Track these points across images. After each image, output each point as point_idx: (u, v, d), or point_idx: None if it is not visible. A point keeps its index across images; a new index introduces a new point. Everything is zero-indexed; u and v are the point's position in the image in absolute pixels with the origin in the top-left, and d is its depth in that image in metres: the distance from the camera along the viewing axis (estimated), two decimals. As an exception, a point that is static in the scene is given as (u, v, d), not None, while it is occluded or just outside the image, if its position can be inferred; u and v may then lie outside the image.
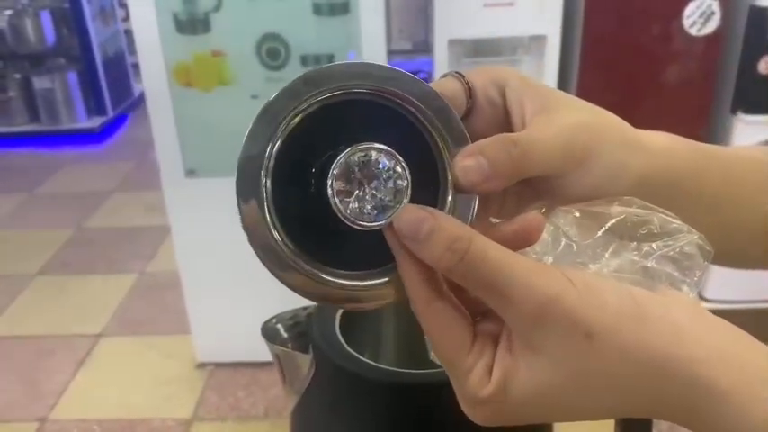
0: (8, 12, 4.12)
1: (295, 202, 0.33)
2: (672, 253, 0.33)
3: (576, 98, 0.38)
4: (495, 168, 0.33)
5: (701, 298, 1.86)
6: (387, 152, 0.32)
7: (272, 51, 1.70)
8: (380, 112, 0.34)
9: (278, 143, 0.32)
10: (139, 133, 4.13)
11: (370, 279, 0.33)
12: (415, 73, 0.34)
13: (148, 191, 3.18)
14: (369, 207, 0.31)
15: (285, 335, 0.50)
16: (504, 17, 1.81)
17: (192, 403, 2.01)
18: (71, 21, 4.19)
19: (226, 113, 1.77)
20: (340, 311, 0.48)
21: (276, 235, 0.32)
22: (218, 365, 2.14)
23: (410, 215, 0.31)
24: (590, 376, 0.29)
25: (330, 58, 1.71)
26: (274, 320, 0.51)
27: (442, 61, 1.88)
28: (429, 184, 0.34)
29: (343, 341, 0.45)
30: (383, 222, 0.32)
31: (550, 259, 0.34)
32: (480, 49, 1.93)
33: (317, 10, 1.66)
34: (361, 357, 0.44)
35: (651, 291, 0.31)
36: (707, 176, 0.39)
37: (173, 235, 1.95)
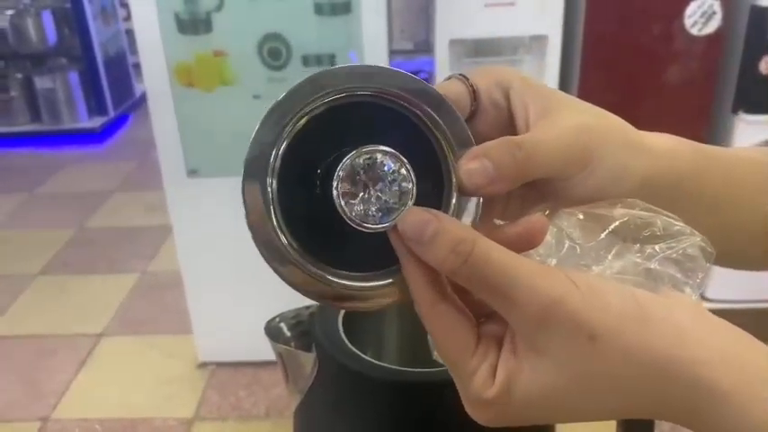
0: (10, 11, 4.13)
1: (300, 202, 0.33)
2: (674, 255, 0.33)
3: (579, 100, 0.38)
4: (500, 171, 0.33)
5: (703, 298, 1.86)
6: (392, 154, 0.32)
7: (273, 51, 1.70)
8: (385, 114, 0.34)
9: (284, 145, 0.33)
10: (141, 133, 4.13)
11: (375, 280, 0.34)
12: (415, 73, 0.34)
13: (150, 191, 3.19)
14: (374, 209, 0.32)
15: (288, 334, 0.50)
16: (505, 17, 1.81)
17: (194, 403, 2.01)
18: (72, 20, 4.20)
19: (227, 113, 1.77)
20: (343, 311, 0.48)
21: (281, 235, 0.33)
22: (220, 365, 2.14)
23: (414, 217, 0.31)
24: (593, 378, 0.30)
25: (331, 57, 1.71)
26: (277, 319, 0.51)
27: (442, 61, 1.88)
28: (433, 187, 0.34)
29: (345, 340, 0.45)
30: (388, 224, 0.32)
31: (554, 261, 0.34)
32: (481, 48, 1.93)
33: (319, 10, 1.67)
34: (364, 356, 0.44)
35: (654, 292, 0.31)
36: (708, 177, 0.40)
37: (174, 235, 1.96)
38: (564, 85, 1.93)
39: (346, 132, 0.33)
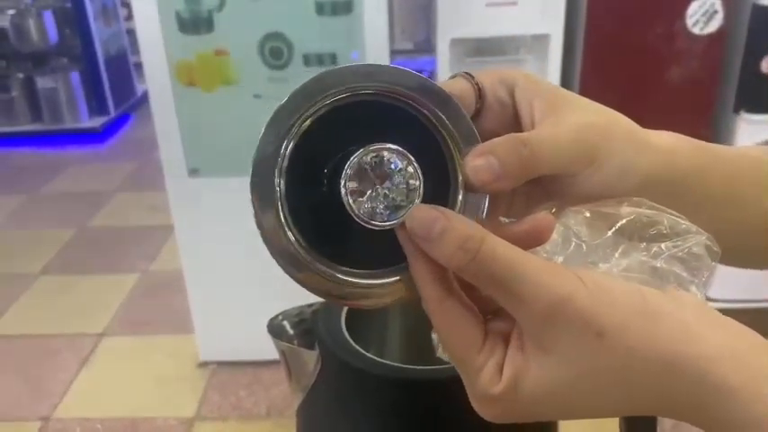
0: (11, 11, 4.13)
1: (308, 202, 0.33)
2: (680, 253, 0.33)
3: (583, 97, 0.38)
4: (506, 168, 0.33)
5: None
6: (398, 152, 0.32)
7: (274, 51, 1.70)
8: (391, 113, 0.34)
9: (291, 144, 0.33)
10: (142, 133, 4.14)
11: (382, 278, 0.34)
12: (418, 72, 0.34)
13: (151, 190, 3.19)
14: (381, 207, 0.32)
15: (291, 331, 0.50)
16: (507, 16, 1.81)
17: (195, 402, 2.02)
18: (74, 20, 4.20)
19: (228, 113, 1.77)
20: (346, 308, 0.48)
21: (289, 234, 0.33)
22: (221, 364, 2.14)
23: (422, 214, 0.31)
24: (600, 374, 0.30)
25: (333, 57, 1.71)
26: (280, 317, 0.51)
27: (444, 61, 1.88)
28: (440, 184, 0.34)
29: (348, 338, 0.45)
30: (395, 222, 0.32)
31: (561, 259, 0.34)
32: (483, 48, 1.93)
33: (320, 9, 1.67)
34: (366, 354, 0.44)
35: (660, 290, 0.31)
36: (711, 174, 0.40)
37: (176, 234, 1.96)
38: (565, 84, 1.93)
39: (352, 131, 0.33)
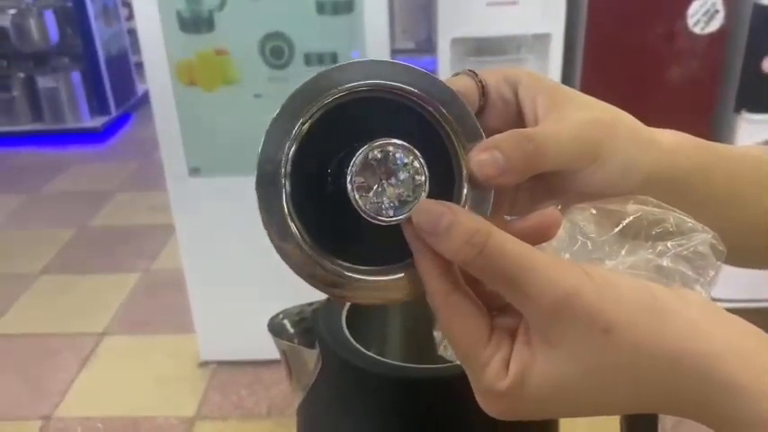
0: (12, 11, 4.14)
1: (313, 199, 0.33)
2: (686, 252, 0.33)
3: (586, 95, 0.39)
4: (511, 163, 0.33)
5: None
6: (404, 147, 0.32)
7: (275, 50, 1.70)
8: (395, 109, 0.34)
9: (295, 143, 0.33)
10: (143, 132, 4.14)
11: (387, 274, 0.34)
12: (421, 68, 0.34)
13: (152, 190, 3.19)
14: (387, 202, 0.32)
15: (291, 330, 0.50)
16: (508, 16, 1.81)
17: (195, 402, 2.02)
18: (75, 20, 4.20)
19: (229, 112, 1.77)
20: (346, 307, 0.48)
21: (295, 231, 0.33)
22: (221, 364, 2.14)
23: (429, 209, 0.31)
24: (607, 371, 0.30)
25: (333, 56, 1.71)
26: (281, 316, 0.51)
27: (445, 60, 1.88)
28: (445, 180, 0.34)
29: (349, 336, 0.45)
30: (402, 217, 0.32)
31: (567, 256, 0.34)
32: (484, 47, 1.93)
33: (321, 9, 1.67)
34: (367, 352, 0.44)
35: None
36: (714, 173, 0.40)
37: (176, 233, 1.96)
38: (566, 83, 1.92)
39: (357, 128, 0.33)
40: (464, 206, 0.34)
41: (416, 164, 0.32)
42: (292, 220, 0.33)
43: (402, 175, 0.32)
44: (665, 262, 0.33)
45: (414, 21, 2.27)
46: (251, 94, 1.75)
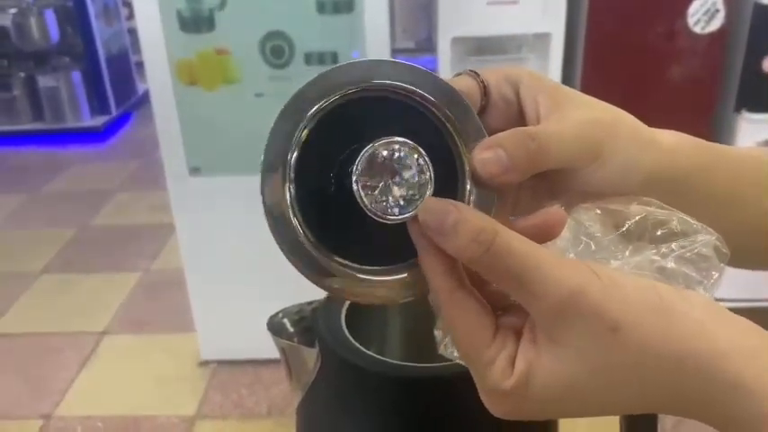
0: (13, 10, 4.14)
1: (317, 199, 0.33)
2: (689, 254, 0.33)
3: (587, 96, 0.39)
4: (514, 161, 0.33)
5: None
6: (408, 146, 0.32)
7: (276, 49, 1.70)
8: (398, 109, 0.34)
9: (297, 147, 0.33)
10: (143, 132, 4.14)
11: (391, 274, 0.34)
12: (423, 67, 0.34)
13: (152, 189, 3.19)
14: (393, 201, 0.32)
15: (291, 329, 0.50)
16: (508, 15, 1.81)
17: (196, 401, 2.02)
18: (75, 19, 4.21)
19: (230, 112, 1.77)
20: (346, 306, 0.48)
21: (301, 232, 0.33)
22: (221, 363, 2.14)
23: (435, 207, 0.31)
24: (613, 370, 0.29)
25: (334, 56, 1.71)
26: (280, 315, 0.51)
27: (445, 60, 1.88)
28: (448, 179, 0.34)
29: (349, 335, 0.45)
30: (408, 215, 0.32)
31: (571, 255, 0.34)
32: (484, 47, 1.93)
33: (321, 8, 1.67)
34: (367, 351, 0.44)
35: None
36: (715, 174, 0.40)
37: (177, 233, 1.96)
38: (566, 83, 1.92)
39: (359, 128, 0.34)
40: (468, 205, 0.34)
41: (421, 162, 0.32)
42: (298, 222, 0.33)
43: (407, 174, 0.32)
44: (669, 263, 0.33)
45: (414, 20, 2.27)
46: (251, 93, 1.75)
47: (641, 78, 1.89)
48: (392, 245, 0.33)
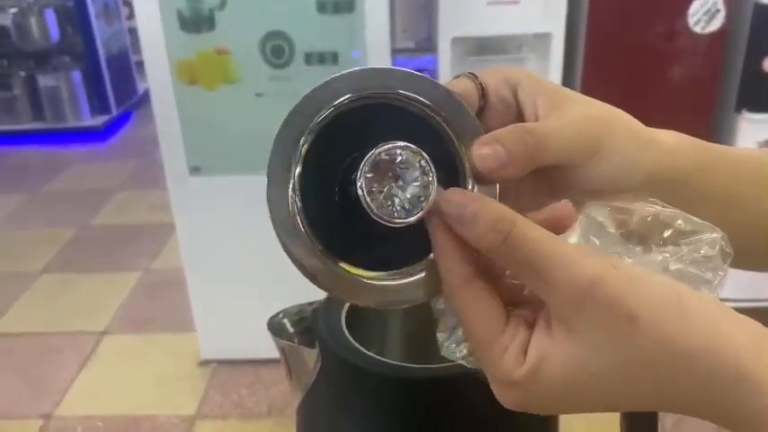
0: (13, 10, 4.14)
1: (322, 209, 0.34)
2: (695, 254, 0.33)
3: (586, 96, 0.39)
4: (512, 156, 0.34)
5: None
6: (410, 149, 0.32)
7: (276, 49, 1.70)
8: (397, 115, 0.35)
9: (301, 161, 0.34)
10: (143, 131, 4.14)
11: (398, 279, 0.34)
12: (420, 71, 0.35)
13: (152, 189, 3.19)
14: (398, 204, 0.32)
15: (291, 330, 0.50)
16: (509, 15, 1.81)
17: (196, 401, 2.02)
18: (75, 19, 4.21)
19: (230, 111, 1.77)
20: (346, 306, 0.48)
21: (309, 240, 0.34)
22: (222, 363, 2.14)
23: (456, 197, 0.32)
24: (627, 362, 0.29)
25: (334, 56, 1.71)
26: (280, 315, 0.51)
27: (445, 60, 1.88)
28: (450, 181, 0.34)
29: (349, 336, 0.45)
30: (414, 218, 0.32)
31: None
32: (484, 47, 1.93)
33: (322, 8, 1.67)
34: (367, 352, 0.44)
35: None
36: (715, 174, 0.40)
37: (177, 232, 1.96)
38: (567, 83, 1.93)
39: (359, 136, 0.34)
40: None
41: (423, 164, 0.32)
42: (306, 233, 0.33)
43: (410, 176, 0.32)
44: (676, 264, 0.32)
45: (414, 20, 2.27)
46: (252, 93, 1.75)
47: (641, 78, 1.89)
48: (399, 248, 0.34)
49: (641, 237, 0.34)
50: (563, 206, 0.34)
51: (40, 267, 2.82)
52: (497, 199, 0.35)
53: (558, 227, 0.33)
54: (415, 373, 0.44)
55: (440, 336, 0.35)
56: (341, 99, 0.34)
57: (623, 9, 1.85)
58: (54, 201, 3.50)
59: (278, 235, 0.33)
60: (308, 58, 1.71)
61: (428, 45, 2.16)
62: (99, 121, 4.32)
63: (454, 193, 0.32)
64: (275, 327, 0.51)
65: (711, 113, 1.96)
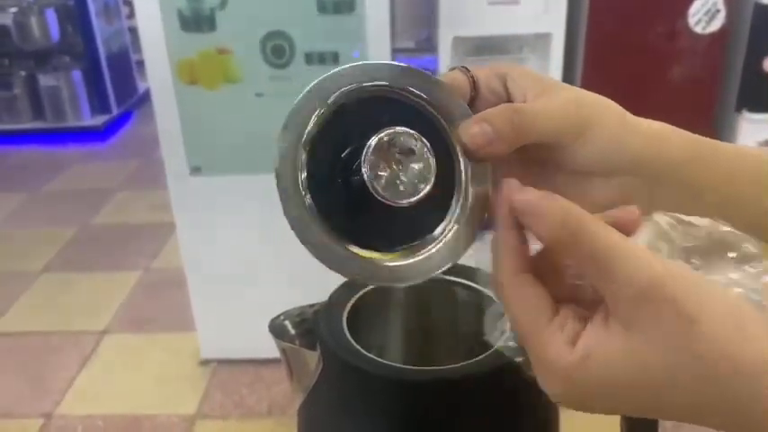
0: (13, 9, 4.14)
1: (329, 198, 0.36)
2: (758, 280, 0.32)
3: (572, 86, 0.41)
4: (499, 133, 0.36)
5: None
6: (409, 133, 0.35)
7: (276, 49, 1.70)
8: (391, 107, 0.37)
9: (305, 168, 0.36)
10: (144, 131, 4.14)
11: (404, 259, 0.36)
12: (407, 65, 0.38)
13: (153, 188, 3.19)
14: (402, 185, 0.35)
15: (292, 331, 0.50)
16: (509, 15, 1.81)
17: (196, 400, 2.02)
18: (76, 18, 4.20)
19: (231, 111, 1.77)
20: (347, 308, 0.48)
21: (326, 233, 0.35)
22: (222, 362, 2.14)
23: (529, 194, 0.33)
24: (678, 366, 0.29)
25: (335, 56, 1.71)
26: (282, 317, 0.51)
27: (446, 59, 1.88)
28: (446, 163, 0.37)
29: (350, 338, 0.46)
30: (418, 197, 0.35)
31: None
32: (485, 46, 1.93)
33: (322, 8, 1.67)
34: (368, 354, 0.44)
35: None
36: (710, 169, 0.40)
37: (177, 232, 1.96)
38: (567, 82, 1.92)
39: (358, 128, 0.36)
40: (465, 182, 0.37)
41: (421, 146, 0.35)
42: (321, 223, 0.35)
43: (411, 159, 0.35)
44: (736, 286, 0.32)
45: (415, 20, 2.27)
46: (252, 93, 1.75)
47: (642, 78, 1.89)
48: (402, 229, 0.36)
49: (704, 254, 0.33)
50: (630, 211, 0.34)
51: (40, 267, 2.82)
52: (490, 176, 0.38)
53: (623, 231, 0.33)
54: (415, 375, 0.44)
55: (486, 318, 0.36)
56: (338, 94, 0.36)
57: (624, 9, 1.85)
58: (54, 200, 3.50)
59: (293, 227, 0.35)
60: (309, 58, 1.71)
61: (428, 45, 2.16)
62: (99, 120, 4.32)
63: (527, 191, 0.33)
64: (276, 328, 0.51)
65: (711, 113, 1.96)
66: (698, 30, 1.81)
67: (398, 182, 0.35)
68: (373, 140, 0.34)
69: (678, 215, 0.35)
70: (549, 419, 0.47)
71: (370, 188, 0.34)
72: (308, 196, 0.35)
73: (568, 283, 0.33)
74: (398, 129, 0.35)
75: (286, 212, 0.35)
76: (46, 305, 2.57)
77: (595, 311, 0.32)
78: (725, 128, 1.98)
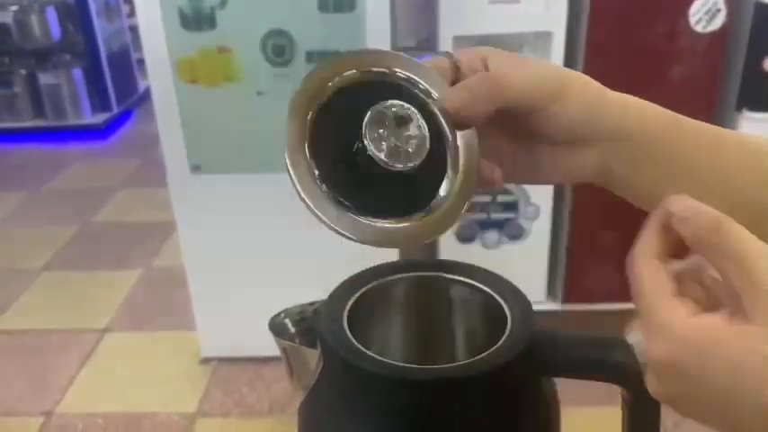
0: (14, 7, 4.14)
1: (340, 175, 0.39)
2: None
3: None
4: (474, 94, 0.40)
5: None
6: (401, 106, 0.39)
7: (277, 47, 1.70)
8: (381, 89, 0.41)
9: (311, 142, 0.39)
10: (144, 129, 4.14)
11: (414, 221, 0.41)
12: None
13: (153, 187, 3.19)
14: (402, 151, 0.38)
15: (293, 330, 0.50)
16: (510, 14, 1.81)
17: (197, 398, 2.02)
18: (76, 16, 4.20)
19: (231, 110, 1.78)
20: (348, 306, 0.48)
21: (339, 204, 0.39)
22: (222, 361, 2.15)
23: (681, 202, 0.34)
24: None
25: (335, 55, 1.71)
26: (282, 315, 0.51)
27: (446, 58, 1.88)
28: (438, 132, 0.41)
29: (350, 336, 0.46)
30: (418, 161, 0.39)
31: None
32: (485, 45, 1.93)
33: (323, 6, 1.67)
34: (368, 353, 0.44)
35: None
36: (689, 143, 0.44)
37: (178, 230, 1.96)
38: (568, 82, 1.92)
39: (355, 109, 0.39)
40: (453, 151, 0.42)
41: (415, 117, 0.39)
42: (333, 198, 0.38)
43: (408, 127, 0.39)
44: None
45: (415, 18, 2.27)
46: (253, 91, 1.75)
47: (642, 77, 1.88)
48: (396, 197, 0.40)
49: None
50: None
51: (40, 265, 2.82)
52: (477, 140, 0.42)
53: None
54: (416, 374, 0.44)
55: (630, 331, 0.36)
56: (338, 78, 0.40)
57: (624, 8, 1.84)
58: (55, 199, 3.51)
59: (305, 202, 0.38)
60: (310, 57, 1.71)
61: (429, 44, 2.16)
62: (100, 118, 4.32)
63: (679, 199, 0.34)
64: (276, 327, 0.51)
65: (712, 113, 1.95)
66: (698, 29, 1.81)
67: (399, 148, 0.38)
68: (372, 112, 0.38)
69: None
70: (550, 419, 0.47)
71: (374, 156, 0.38)
72: (322, 183, 0.38)
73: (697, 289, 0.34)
74: (394, 101, 0.39)
75: (304, 194, 0.38)
76: (46, 304, 2.58)
77: (725, 304, 0.33)
78: (725, 127, 1.96)
